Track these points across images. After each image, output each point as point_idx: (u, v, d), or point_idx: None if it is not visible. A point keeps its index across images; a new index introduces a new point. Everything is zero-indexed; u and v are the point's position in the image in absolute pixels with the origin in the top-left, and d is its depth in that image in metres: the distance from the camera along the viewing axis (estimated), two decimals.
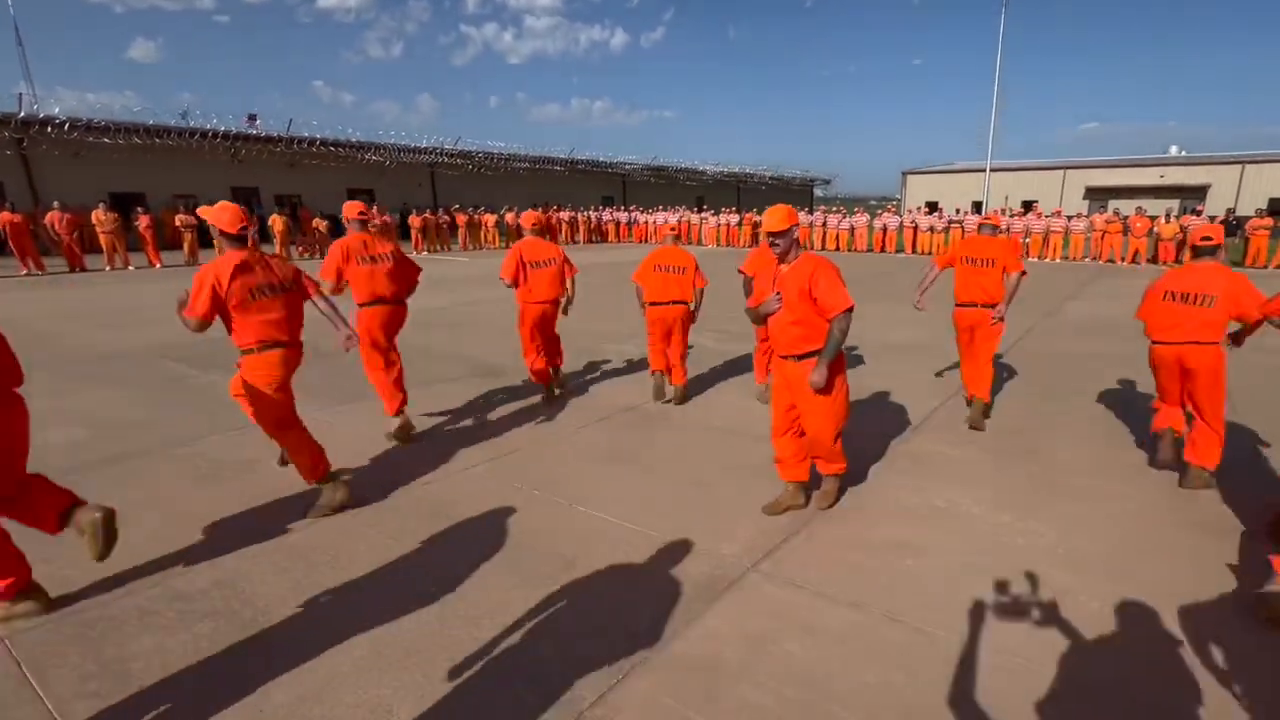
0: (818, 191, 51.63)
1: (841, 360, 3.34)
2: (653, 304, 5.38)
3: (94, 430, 4.78)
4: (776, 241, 3.34)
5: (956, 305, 5.06)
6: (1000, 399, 5.51)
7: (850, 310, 3.20)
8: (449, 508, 3.61)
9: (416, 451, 4.43)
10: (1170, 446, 4.02)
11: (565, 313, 5.63)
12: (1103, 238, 19.19)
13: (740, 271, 5.45)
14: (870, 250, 24.03)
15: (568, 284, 5.54)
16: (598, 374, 6.60)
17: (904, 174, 45.06)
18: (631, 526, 3.43)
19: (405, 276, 4.73)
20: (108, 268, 16.07)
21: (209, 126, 23.28)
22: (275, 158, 25.69)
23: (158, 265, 16.54)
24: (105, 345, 7.66)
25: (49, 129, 20.03)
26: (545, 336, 5.51)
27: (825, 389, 3.25)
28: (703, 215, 28.66)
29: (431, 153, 29.86)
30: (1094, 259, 19.46)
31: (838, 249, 24.28)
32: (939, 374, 6.39)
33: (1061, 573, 2.97)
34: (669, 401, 5.58)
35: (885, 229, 24.24)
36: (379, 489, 3.81)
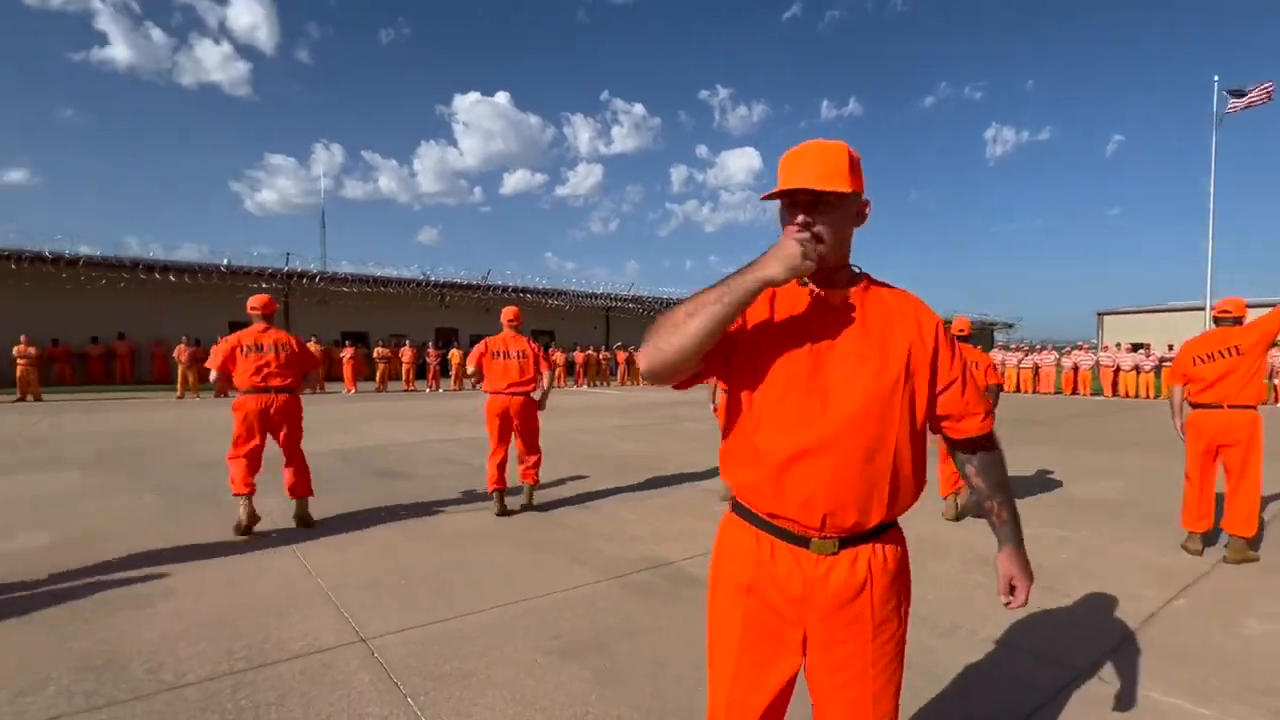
0: (999, 336, 48.27)
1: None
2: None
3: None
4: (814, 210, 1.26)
5: (1193, 407, 4.31)
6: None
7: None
8: None
9: None
10: None
11: (541, 406, 5.57)
12: None
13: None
14: (1058, 392, 21.58)
15: (543, 376, 5.48)
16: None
17: (1099, 315, 41.15)
18: None
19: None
20: (349, 390, 18.50)
21: (423, 277, 26.95)
22: (473, 303, 28.93)
23: (352, 390, 18.76)
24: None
25: (304, 280, 24.29)
26: (516, 432, 5.40)
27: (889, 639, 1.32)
28: None
29: (607, 298, 32.57)
30: None
31: (1018, 389, 22.09)
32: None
33: None
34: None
35: (1077, 368, 21.74)
36: None
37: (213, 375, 4.71)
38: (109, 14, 75.25)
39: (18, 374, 15.65)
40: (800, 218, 1.24)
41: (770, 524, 1.31)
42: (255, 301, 4.89)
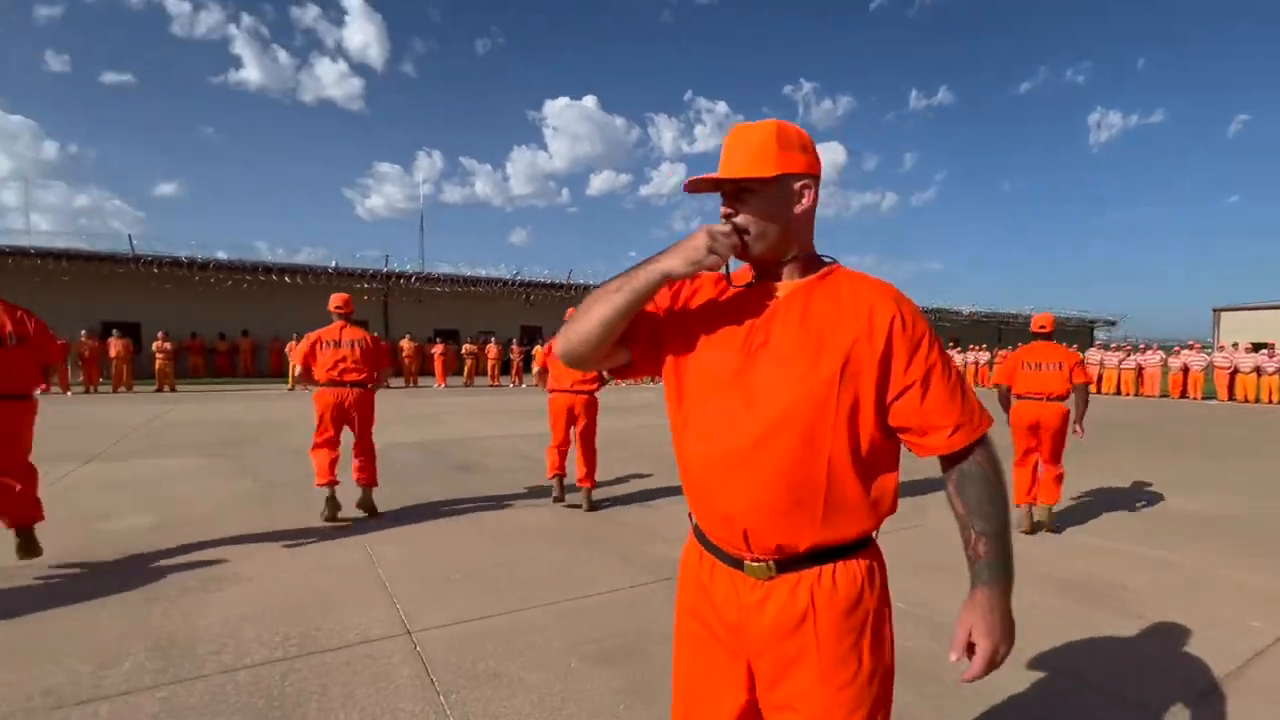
0: (1099, 335, 44.75)
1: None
2: None
3: None
4: (737, 200, 1.14)
5: None
6: None
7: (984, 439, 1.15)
8: None
9: None
10: None
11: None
12: None
13: (995, 383, 4.66)
14: (1165, 395, 19.72)
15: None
16: None
17: (1215, 311, 37.38)
18: None
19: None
20: (439, 384, 19.32)
21: (510, 277, 27.63)
22: (556, 301, 29.45)
23: (442, 384, 19.43)
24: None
25: (401, 280, 25.43)
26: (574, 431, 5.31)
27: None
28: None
29: None
30: None
31: (1119, 391, 20.36)
32: None
33: None
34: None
35: (1187, 369, 19.74)
36: None
37: (297, 369, 4.93)
38: (243, 39, 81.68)
39: (156, 367, 17.15)
40: (723, 209, 1.15)
41: (708, 541, 1.19)
42: (336, 300, 5.07)
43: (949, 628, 2.23)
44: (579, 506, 5.28)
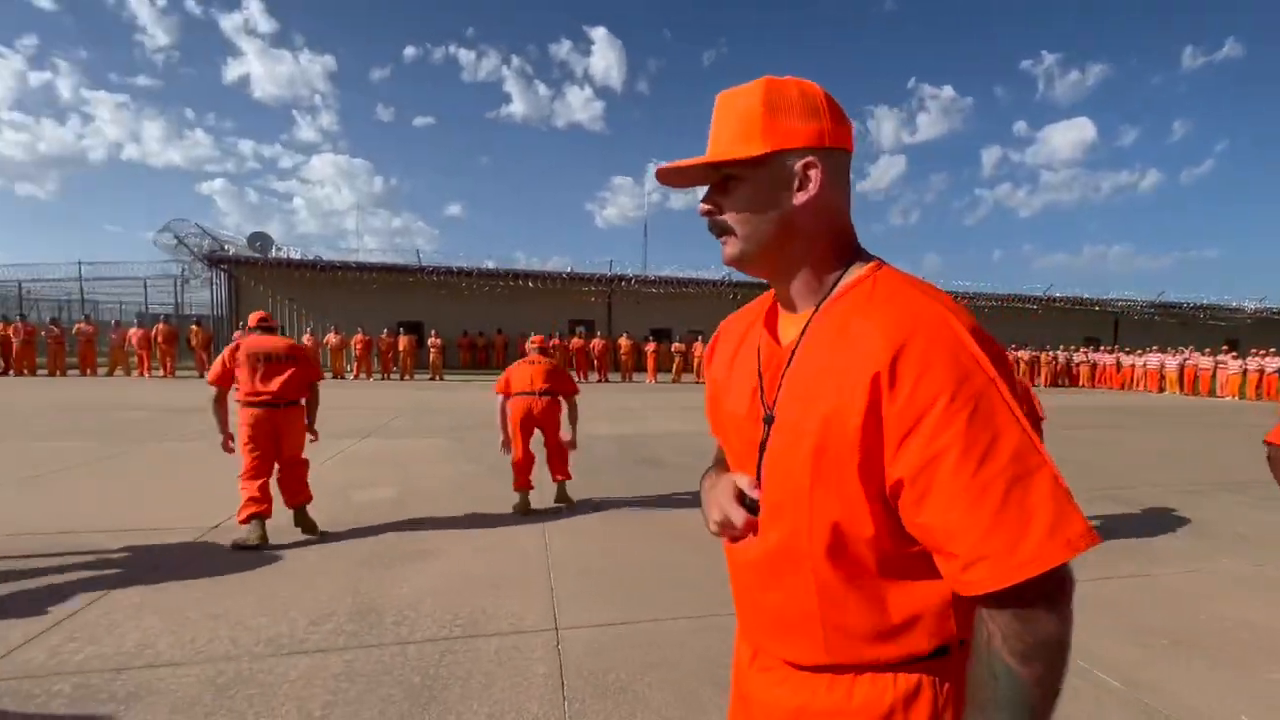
0: None
1: None
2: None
3: None
4: (722, 193, 0.84)
5: None
6: None
7: (1036, 588, 0.65)
8: None
9: None
10: None
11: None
12: None
13: (1266, 442, 2.58)
14: None
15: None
16: None
17: None
18: None
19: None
20: (650, 380, 20.12)
21: (720, 278, 27.71)
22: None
23: (652, 380, 19.94)
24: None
25: (622, 283, 26.82)
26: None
27: None
28: (1219, 359, 21.29)
29: None
30: None
31: None
32: None
33: None
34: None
35: None
36: None
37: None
38: (512, 78, 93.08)
39: (430, 359, 20.08)
40: (700, 206, 0.85)
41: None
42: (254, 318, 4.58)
43: None
44: None
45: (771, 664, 0.88)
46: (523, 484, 5.03)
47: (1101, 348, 26.23)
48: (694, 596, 3.43)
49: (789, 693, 0.84)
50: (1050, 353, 24.68)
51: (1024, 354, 24.15)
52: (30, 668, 2.52)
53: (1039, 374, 24.17)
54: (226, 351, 4.21)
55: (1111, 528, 4.90)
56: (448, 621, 3.06)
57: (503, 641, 2.89)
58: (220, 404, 4.20)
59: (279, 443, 4.22)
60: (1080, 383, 24.72)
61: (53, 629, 2.84)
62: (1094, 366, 24.79)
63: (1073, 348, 26.46)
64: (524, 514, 4.94)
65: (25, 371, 16.99)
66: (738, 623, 0.95)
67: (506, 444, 5.16)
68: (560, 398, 5.22)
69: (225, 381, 4.17)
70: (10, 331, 17.01)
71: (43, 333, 17.47)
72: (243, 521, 4.02)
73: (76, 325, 18.41)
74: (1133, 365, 23.61)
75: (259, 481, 4.09)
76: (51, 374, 17.14)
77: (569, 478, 5.28)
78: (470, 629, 3.00)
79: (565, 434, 5.29)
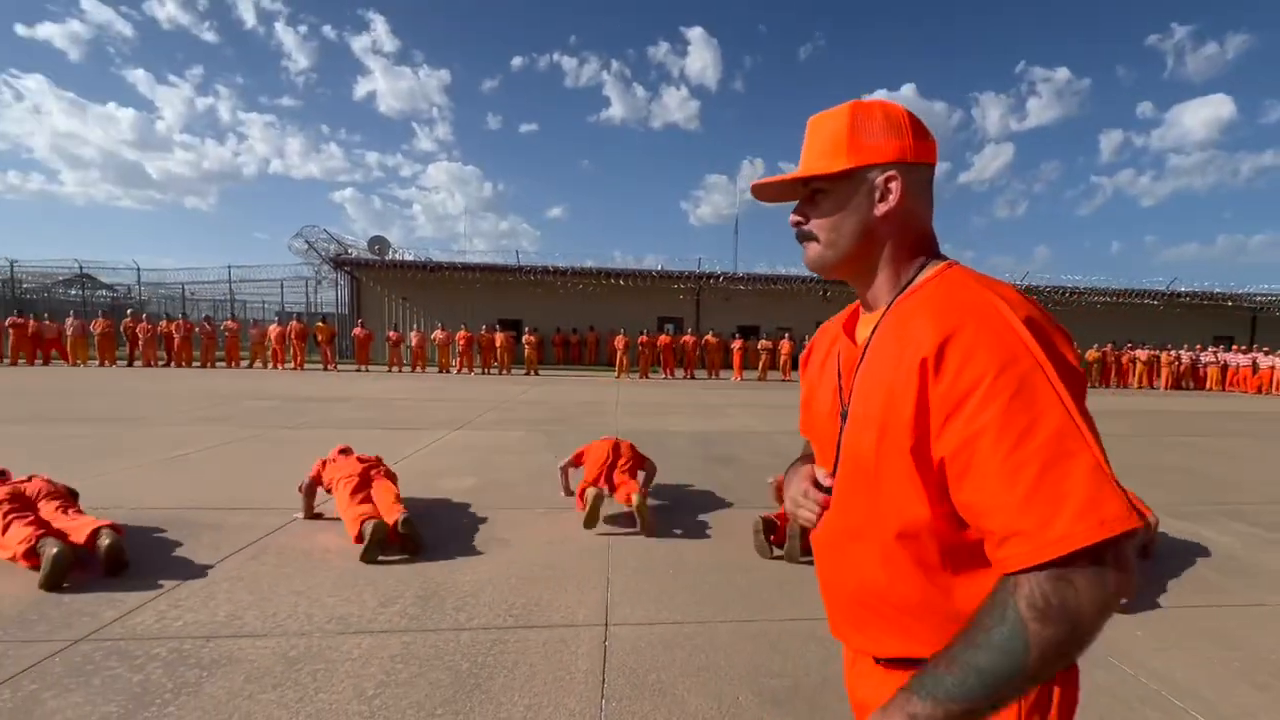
0: None
1: None
2: None
3: None
4: (810, 205, 0.92)
5: None
6: None
7: (1076, 564, 0.64)
8: None
9: None
10: None
11: None
12: None
13: None
14: None
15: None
16: None
17: None
18: None
19: None
20: (736, 378, 19.80)
21: (808, 274, 26.77)
22: (851, 296, 27.52)
23: (738, 378, 19.52)
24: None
25: (711, 280, 26.52)
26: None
27: None
28: None
29: None
30: None
31: None
32: None
33: None
34: None
35: None
36: None
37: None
38: (612, 82, 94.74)
39: (526, 354, 20.72)
40: (791, 217, 0.94)
41: None
42: None
43: None
44: None
45: (865, 667, 0.92)
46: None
47: (1235, 347, 23.18)
48: (743, 601, 3.28)
49: (873, 689, 0.88)
50: (1173, 352, 22.08)
51: (1141, 353, 21.77)
52: (137, 631, 2.76)
53: (1157, 375, 21.71)
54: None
55: (1225, 547, 4.26)
56: (503, 611, 3.09)
57: (551, 634, 2.87)
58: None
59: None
60: (1209, 385, 21.95)
61: (160, 596, 3.10)
62: (1225, 368, 21.94)
63: (1199, 347, 23.58)
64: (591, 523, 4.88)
65: (183, 363, 19.11)
66: (828, 618, 0.98)
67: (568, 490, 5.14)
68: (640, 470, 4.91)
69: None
70: (172, 328, 19.22)
71: (197, 329, 19.61)
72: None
73: (224, 323, 20.53)
74: (1272, 366, 20.70)
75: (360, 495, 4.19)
76: (203, 366, 19.20)
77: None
78: (523, 619, 3.00)
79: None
